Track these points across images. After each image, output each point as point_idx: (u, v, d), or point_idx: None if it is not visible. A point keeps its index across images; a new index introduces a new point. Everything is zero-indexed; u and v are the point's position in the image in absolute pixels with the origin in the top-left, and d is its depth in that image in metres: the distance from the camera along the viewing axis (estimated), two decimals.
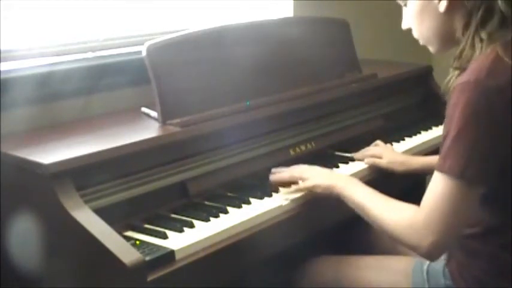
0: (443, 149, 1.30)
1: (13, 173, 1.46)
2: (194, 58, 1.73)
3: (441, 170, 1.29)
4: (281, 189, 1.64)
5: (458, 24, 1.36)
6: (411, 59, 2.57)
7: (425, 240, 1.31)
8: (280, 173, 1.67)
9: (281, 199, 1.59)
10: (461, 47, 1.35)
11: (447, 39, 1.41)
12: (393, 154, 1.88)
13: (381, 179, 1.80)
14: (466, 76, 1.29)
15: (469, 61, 1.33)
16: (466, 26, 1.34)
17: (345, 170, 1.80)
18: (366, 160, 1.83)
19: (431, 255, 1.35)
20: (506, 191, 1.35)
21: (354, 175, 1.77)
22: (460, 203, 1.29)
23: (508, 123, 1.27)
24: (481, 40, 1.32)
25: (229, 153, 1.69)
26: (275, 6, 2.44)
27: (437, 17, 1.38)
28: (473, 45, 1.33)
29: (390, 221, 1.39)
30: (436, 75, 2.38)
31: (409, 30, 1.49)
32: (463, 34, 1.35)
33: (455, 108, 1.27)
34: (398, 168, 1.82)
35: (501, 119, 1.26)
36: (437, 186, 1.31)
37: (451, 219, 1.30)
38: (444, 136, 1.31)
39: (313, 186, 1.58)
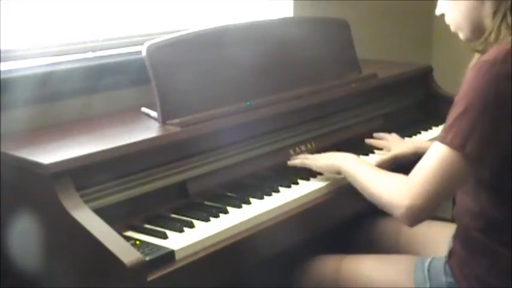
0: (448, 122, 1.34)
1: (13, 173, 1.46)
2: (194, 58, 1.73)
3: (442, 141, 1.33)
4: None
5: (489, 10, 1.39)
6: (411, 59, 2.57)
7: (405, 201, 1.36)
8: (295, 160, 1.77)
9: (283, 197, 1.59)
10: (488, 31, 1.39)
11: (477, 26, 1.43)
12: (402, 143, 1.93)
13: None
14: (484, 57, 1.33)
15: (494, 43, 1.36)
16: (496, 12, 1.38)
17: None
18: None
19: (407, 218, 1.38)
20: (507, 181, 1.37)
21: None
22: (450, 175, 1.33)
23: None
24: (508, 26, 1.35)
25: (229, 153, 1.69)
26: (275, 6, 2.44)
27: (470, 2, 1.42)
28: (499, 30, 1.36)
29: (379, 187, 1.45)
30: (436, 75, 2.38)
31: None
32: (492, 19, 1.39)
33: (468, 84, 1.32)
34: (408, 151, 1.84)
35: (510, 104, 1.28)
36: (434, 155, 1.34)
37: (436, 187, 1.33)
38: (452, 108, 1.34)
39: (317, 167, 1.70)
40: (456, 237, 1.49)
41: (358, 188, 1.54)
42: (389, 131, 2.06)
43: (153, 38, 1.69)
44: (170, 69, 1.67)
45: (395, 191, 1.40)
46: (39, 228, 1.40)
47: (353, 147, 1.92)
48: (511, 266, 1.39)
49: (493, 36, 1.37)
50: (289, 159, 1.79)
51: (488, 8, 1.39)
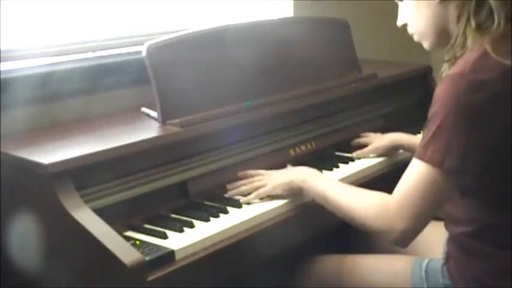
0: (425, 138, 1.33)
1: (13, 173, 1.46)
2: (194, 58, 1.73)
3: (421, 158, 1.32)
4: (242, 198, 1.59)
5: (453, 14, 1.38)
6: (411, 59, 2.57)
7: (397, 226, 1.34)
8: (239, 188, 1.63)
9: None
10: (454, 36, 1.38)
11: (441, 31, 1.42)
12: (382, 137, 1.96)
13: (380, 178, 1.81)
14: (453, 69, 1.33)
15: (461, 49, 1.36)
16: (460, 16, 1.37)
17: (345, 170, 1.80)
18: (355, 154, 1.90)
19: (400, 241, 1.38)
20: (497, 187, 1.37)
21: (354, 175, 1.78)
22: (434, 192, 1.32)
23: (492, 117, 1.29)
24: (472, 30, 1.34)
25: (229, 153, 1.69)
26: (275, 6, 2.44)
27: (433, 7, 1.41)
28: (465, 35, 1.35)
29: (358, 208, 1.42)
30: (436, 75, 2.38)
31: (407, 30, 1.50)
32: (456, 24, 1.38)
33: (439, 99, 1.31)
34: (386, 143, 1.90)
35: (484, 113, 1.29)
36: (415, 174, 1.33)
37: (423, 206, 1.33)
38: (426, 125, 1.34)
39: (273, 188, 1.59)
40: (450, 242, 1.49)
41: (329, 208, 1.49)
42: (389, 131, 2.06)
43: (153, 38, 1.69)
44: (170, 69, 1.67)
45: (381, 215, 1.37)
46: (39, 228, 1.40)
47: (353, 147, 1.92)
48: (509, 266, 1.39)
49: (459, 41, 1.36)
50: (289, 159, 1.79)
51: (452, 12, 1.38)
